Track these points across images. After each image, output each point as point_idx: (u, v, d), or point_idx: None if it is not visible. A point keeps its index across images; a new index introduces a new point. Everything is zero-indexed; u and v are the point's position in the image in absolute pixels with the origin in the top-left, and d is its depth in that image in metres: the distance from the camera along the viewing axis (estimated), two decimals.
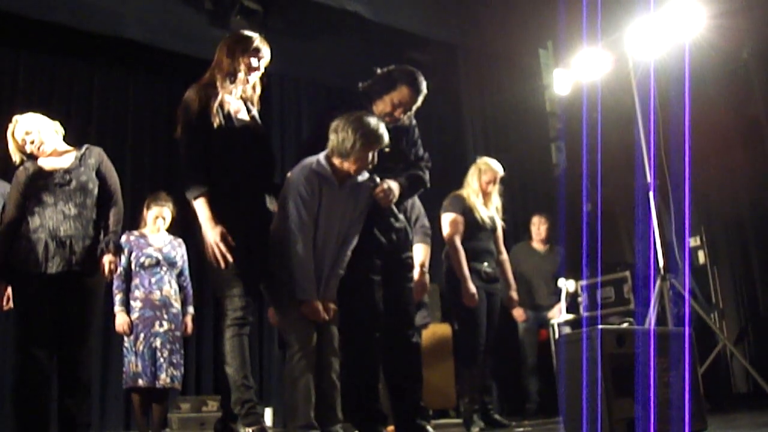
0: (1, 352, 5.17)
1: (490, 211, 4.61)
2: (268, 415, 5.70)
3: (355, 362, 3.19)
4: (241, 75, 3.11)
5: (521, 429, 4.44)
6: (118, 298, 4.36)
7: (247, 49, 3.11)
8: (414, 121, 3.50)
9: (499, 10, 6.92)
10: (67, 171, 3.35)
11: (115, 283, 4.32)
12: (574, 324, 5.32)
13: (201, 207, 2.94)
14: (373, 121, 3.04)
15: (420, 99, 3.33)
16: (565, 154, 6.98)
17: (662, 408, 2.69)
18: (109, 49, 6.05)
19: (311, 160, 3.09)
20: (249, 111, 3.22)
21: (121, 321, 4.33)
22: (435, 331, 5.51)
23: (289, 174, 3.15)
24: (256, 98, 3.26)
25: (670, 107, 4.81)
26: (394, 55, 4.66)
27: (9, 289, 3.44)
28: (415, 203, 4.18)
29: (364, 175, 3.15)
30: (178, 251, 4.58)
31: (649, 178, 4.52)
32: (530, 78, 7.37)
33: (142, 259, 4.41)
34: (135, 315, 4.35)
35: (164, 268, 4.46)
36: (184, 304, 4.55)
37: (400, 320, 3.29)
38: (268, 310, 3.73)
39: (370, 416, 3.18)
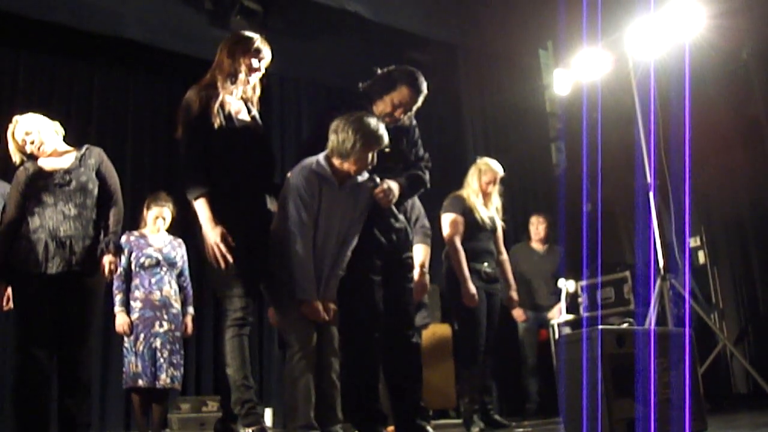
0: (1, 352, 5.17)
1: (490, 211, 4.61)
2: (268, 415, 5.70)
3: (355, 362, 3.19)
4: (241, 76, 3.11)
5: (521, 429, 4.44)
6: (118, 298, 4.36)
7: (248, 49, 3.11)
8: (414, 122, 3.49)
9: (499, 10, 6.93)
10: (67, 171, 3.35)
11: (115, 283, 4.32)
12: (574, 324, 5.32)
13: (201, 207, 2.94)
14: (373, 121, 3.04)
15: (420, 99, 3.33)
16: (565, 155, 6.99)
17: (662, 408, 2.69)
18: (109, 49, 6.05)
19: (311, 160, 3.09)
20: (249, 111, 3.22)
21: (121, 321, 4.33)
22: (435, 331, 5.52)
23: (289, 174, 3.15)
24: (256, 99, 3.26)
25: (670, 107, 4.82)
26: (394, 55, 4.66)
27: (9, 290, 3.44)
28: (415, 203, 4.18)
29: (364, 176, 3.15)
30: (178, 251, 4.58)
31: (649, 179, 4.52)
32: (530, 78, 7.38)
33: (142, 260, 4.41)
34: (135, 315, 4.35)
35: (164, 269, 4.46)
36: (184, 304, 4.55)
37: (400, 320, 3.29)
38: (268, 310, 3.73)
39: (370, 416, 3.17)
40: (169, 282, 4.46)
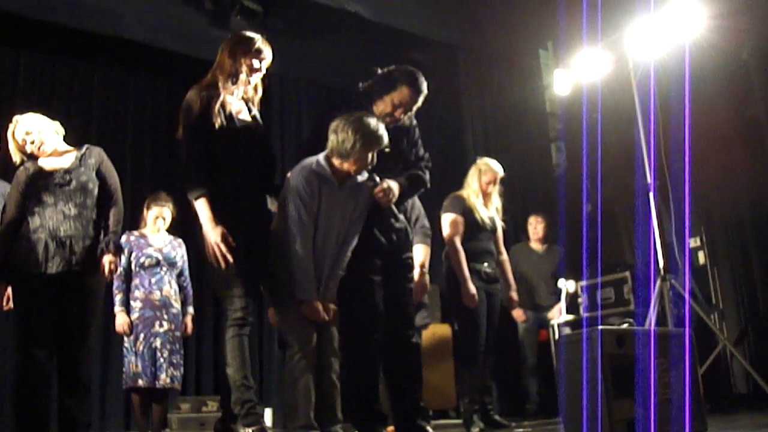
0: (1, 352, 5.17)
1: (490, 211, 4.60)
2: (267, 415, 5.70)
3: (355, 362, 3.19)
4: (242, 76, 3.11)
5: (521, 429, 4.44)
6: (118, 298, 4.36)
7: (249, 50, 3.11)
8: (414, 122, 3.49)
9: (500, 11, 6.92)
10: (67, 171, 3.35)
11: (115, 283, 4.32)
12: (574, 325, 5.32)
13: (202, 207, 2.94)
14: (372, 121, 3.04)
15: (420, 99, 3.33)
16: (565, 155, 6.99)
17: (662, 408, 2.69)
18: (109, 49, 6.05)
19: (311, 160, 3.09)
20: (250, 111, 3.22)
21: (121, 321, 4.33)
22: (435, 331, 5.51)
23: (288, 174, 3.15)
24: (257, 99, 3.26)
25: (670, 108, 4.81)
26: (394, 56, 4.65)
27: (9, 289, 3.44)
28: (415, 203, 4.18)
29: (364, 175, 3.15)
30: (178, 251, 4.58)
31: (649, 179, 4.52)
32: (530, 78, 7.38)
33: (142, 260, 4.41)
34: (135, 315, 4.35)
35: (164, 269, 4.46)
36: (184, 304, 4.55)
37: (400, 321, 3.29)
38: (268, 311, 3.73)
39: (370, 416, 3.17)
40: (169, 282, 4.46)
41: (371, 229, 3.23)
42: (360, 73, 3.50)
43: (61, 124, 3.55)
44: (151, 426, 4.44)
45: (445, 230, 4.46)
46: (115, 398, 5.54)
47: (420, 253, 4.14)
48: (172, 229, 4.63)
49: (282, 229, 3.03)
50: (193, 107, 3.01)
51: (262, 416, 3.11)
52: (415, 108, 3.37)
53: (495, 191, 4.65)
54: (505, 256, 4.77)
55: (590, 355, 2.67)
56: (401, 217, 3.41)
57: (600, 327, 2.73)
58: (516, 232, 6.16)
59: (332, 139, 3.03)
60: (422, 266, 4.16)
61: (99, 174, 3.42)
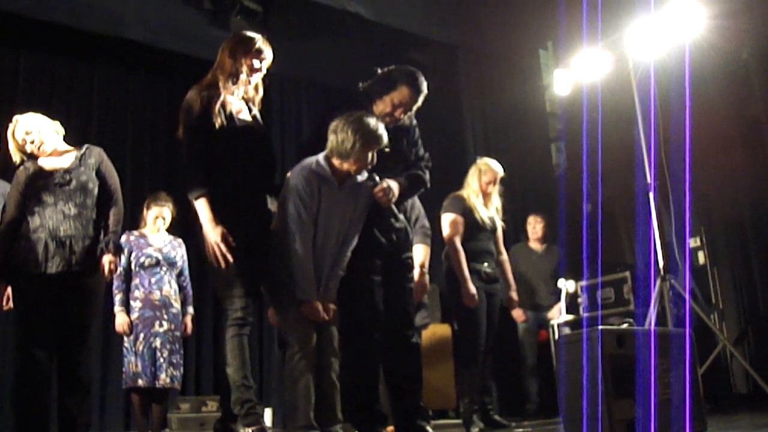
0: (1, 352, 5.17)
1: (490, 211, 4.60)
2: (267, 415, 5.71)
3: (355, 362, 3.19)
4: (243, 76, 3.11)
5: (521, 430, 4.44)
6: (118, 298, 4.36)
7: (249, 50, 3.11)
8: (414, 121, 3.49)
9: (500, 11, 6.92)
10: (67, 171, 3.35)
11: (115, 283, 4.32)
12: (574, 325, 5.32)
13: (202, 207, 2.94)
14: (372, 121, 3.04)
15: (420, 99, 3.33)
16: (565, 155, 6.99)
17: (662, 409, 2.69)
18: (109, 49, 6.05)
19: (311, 160, 3.09)
20: (251, 111, 3.22)
21: (121, 321, 4.33)
22: (435, 331, 5.51)
23: (288, 174, 3.15)
24: (258, 99, 3.26)
25: (670, 108, 4.82)
26: (394, 56, 4.65)
27: (9, 289, 3.44)
28: (415, 203, 4.18)
29: (364, 175, 3.15)
30: (178, 251, 4.58)
31: (650, 179, 4.52)
32: (530, 78, 7.38)
33: (142, 259, 4.41)
34: (135, 315, 4.35)
35: (164, 268, 4.46)
36: (183, 304, 4.55)
37: (399, 321, 3.29)
38: (268, 310, 3.73)
39: (370, 416, 3.17)
40: (169, 282, 4.46)
41: (371, 229, 3.23)
42: (360, 73, 3.50)
43: (61, 124, 3.55)
44: (151, 426, 4.44)
45: (445, 230, 4.46)
46: (115, 398, 5.55)
47: (420, 253, 4.14)
48: (172, 229, 4.63)
49: (282, 229, 3.03)
50: (193, 107, 3.01)
51: (262, 416, 3.11)
52: (415, 108, 3.37)
53: (495, 191, 4.64)
54: (505, 256, 4.76)
55: (590, 355, 2.67)
56: (401, 217, 3.41)
57: (600, 327, 2.73)
58: (516, 232, 6.16)
59: (332, 139, 3.03)
60: (422, 266, 4.16)
61: (99, 174, 3.42)
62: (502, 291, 4.66)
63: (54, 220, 3.26)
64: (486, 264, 4.50)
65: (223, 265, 2.90)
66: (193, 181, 2.96)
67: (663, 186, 4.75)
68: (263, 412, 5.23)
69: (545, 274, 5.70)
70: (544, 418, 5.31)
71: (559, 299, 5.43)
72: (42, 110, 3.53)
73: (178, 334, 4.43)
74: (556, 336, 5.34)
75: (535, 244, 5.87)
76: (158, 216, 4.52)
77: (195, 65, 3.71)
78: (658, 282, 4.32)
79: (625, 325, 3.03)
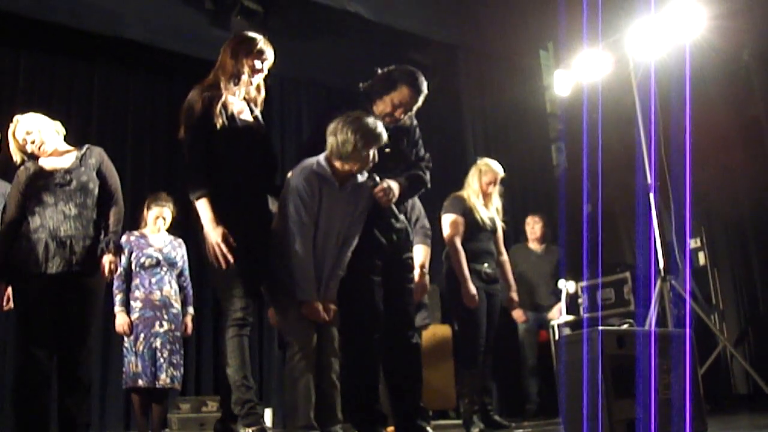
0: (1, 352, 5.17)
1: (491, 212, 4.60)
2: (267, 415, 5.70)
3: (355, 363, 3.19)
4: (244, 77, 3.11)
5: (521, 430, 4.44)
6: (118, 298, 4.36)
7: (251, 50, 3.11)
8: (415, 122, 3.49)
9: (500, 11, 6.93)
10: (67, 171, 3.35)
11: (116, 283, 4.32)
12: (574, 325, 5.31)
13: (203, 207, 2.94)
14: (370, 120, 3.04)
15: (420, 99, 3.33)
16: (566, 155, 6.98)
17: (662, 409, 2.69)
18: (109, 49, 6.05)
19: (311, 161, 3.09)
20: (252, 112, 3.22)
21: (121, 321, 4.33)
22: (435, 332, 5.51)
23: (289, 175, 3.15)
24: (260, 100, 3.25)
25: (670, 108, 4.81)
26: (394, 56, 4.65)
27: (9, 289, 3.44)
28: (416, 204, 4.18)
29: (364, 175, 3.15)
30: (179, 251, 4.58)
31: (650, 179, 4.52)
32: (531, 79, 7.37)
33: (142, 260, 4.41)
34: (135, 315, 4.35)
35: (164, 269, 4.46)
36: (184, 304, 4.55)
37: (400, 321, 3.29)
38: (268, 311, 3.73)
39: (370, 417, 3.17)
40: (169, 282, 4.46)
41: (371, 229, 3.23)
42: (360, 73, 3.50)
43: (62, 124, 3.55)
44: (151, 426, 4.44)
45: (446, 231, 4.46)
46: (115, 398, 5.54)
47: (420, 254, 4.14)
48: (172, 229, 4.63)
49: (282, 229, 3.03)
50: (194, 108, 3.01)
51: (262, 416, 3.11)
52: (415, 108, 3.37)
53: (495, 192, 4.64)
54: (505, 257, 4.76)
55: (590, 356, 2.66)
56: (401, 217, 3.41)
57: (600, 327, 2.73)
58: (516, 233, 6.16)
59: (331, 141, 3.03)
60: (422, 266, 4.16)
61: (99, 174, 3.42)
62: (502, 291, 4.66)
63: (54, 220, 3.26)
64: (486, 264, 4.49)
65: (223, 265, 2.90)
66: (194, 182, 2.96)
67: (663, 186, 4.75)
68: (263, 412, 5.22)
69: (545, 274, 5.70)
70: (544, 418, 5.31)
71: (559, 299, 5.43)
72: (42, 110, 3.53)
73: (178, 334, 4.43)
74: (557, 336, 5.34)
75: (534, 245, 5.88)
76: (158, 216, 4.53)
77: (195, 65, 3.71)
78: (658, 282, 4.32)
79: (625, 326, 3.03)
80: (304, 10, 6.30)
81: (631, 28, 4.79)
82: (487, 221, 4.53)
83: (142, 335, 4.30)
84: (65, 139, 3.53)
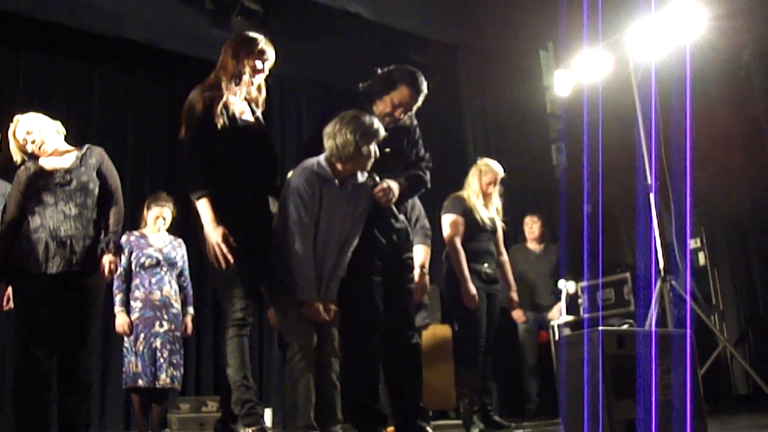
0: (1, 352, 5.17)
1: (491, 212, 4.60)
2: (267, 415, 5.70)
3: (355, 363, 3.19)
4: (245, 77, 3.11)
5: (521, 430, 4.44)
6: (118, 298, 4.36)
7: (252, 51, 3.11)
8: (415, 122, 3.49)
9: (500, 11, 6.92)
10: (67, 171, 3.35)
11: (116, 283, 4.32)
12: (575, 325, 5.31)
13: (203, 207, 2.94)
14: (366, 117, 3.04)
15: (420, 99, 3.33)
16: (566, 156, 6.98)
17: (662, 409, 2.69)
18: (109, 49, 6.05)
19: (312, 161, 3.08)
20: (253, 112, 3.21)
21: (121, 321, 4.33)
22: (435, 332, 5.51)
23: (289, 175, 3.15)
24: (261, 100, 3.25)
25: (670, 109, 4.81)
26: (394, 56, 4.65)
27: (9, 289, 3.44)
28: (416, 204, 4.18)
29: (364, 175, 3.15)
30: (179, 251, 4.58)
31: (650, 180, 4.52)
32: (531, 79, 7.38)
33: (142, 260, 4.41)
34: (135, 315, 4.35)
35: (164, 269, 4.46)
36: (184, 304, 4.55)
37: (400, 321, 3.29)
38: (269, 311, 3.73)
39: (370, 417, 3.17)
40: (170, 282, 4.46)
41: (371, 229, 3.23)
42: (360, 73, 3.50)
43: (62, 123, 3.55)
44: (151, 426, 4.44)
45: (446, 231, 4.46)
46: (115, 398, 5.54)
47: (420, 254, 4.14)
48: (173, 229, 4.63)
49: (282, 229, 3.02)
50: (196, 108, 3.01)
51: (262, 416, 3.11)
52: (415, 108, 3.37)
53: (495, 192, 4.64)
54: (505, 257, 4.76)
55: (591, 356, 2.66)
56: (401, 217, 3.41)
57: (600, 328, 2.73)
58: (516, 233, 6.16)
59: (331, 145, 3.02)
60: (422, 267, 4.16)
61: (100, 174, 3.42)
62: (502, 292, 4.66)
63: (54, 220, 3.26)
64: (486, 265, 4.49)
65: (223, 265, 2.90)
66: (195, 182, 2.97)
67: (663, 186, 4.75)
68: (263, 412, 5.22)
69: (544, 274, 5.70)
70: (544, 418, 5.31)
71: (558, 299, 5.43)
72: (42, 110, 3.53)
73: (178, 334, 4.43)
74: (557, 337, 5.34)
75: (532, 245, 5.89)
76: (159, 216, 4.53)
77: (195, 65, 3.72)
78: (658, 283, 4.32)
79: (625, 326, 3.02)
80: (304, 10, 6.29)
81: (631, 29, 4.79)
82: (487, 221, 4.53)
83: (142, 335, 4.30)
84: (65, 139, 3.53)
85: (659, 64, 4.75)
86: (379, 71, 3.37)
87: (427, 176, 3.47)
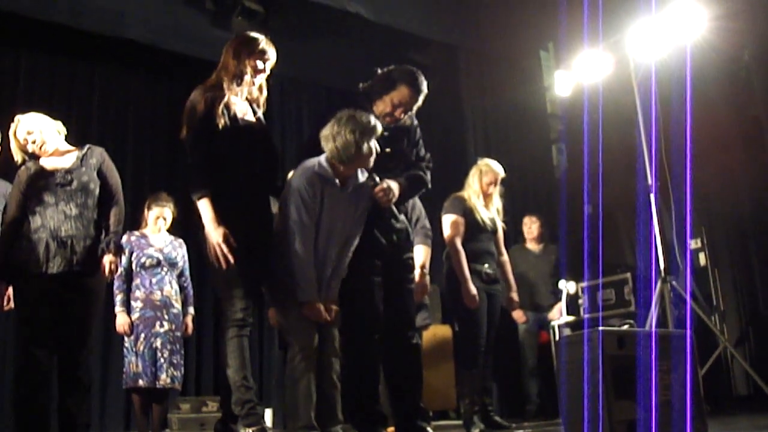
0: (1, 352, 5.17)
1: (491, 212, 4.60)
2: (268, 415, 5.70)
3: (355, 363, 3.19)
4: (247, 77, 3.11)
5: (521, 431, 4.44)
6: (118, 298, 4.36)
7: (253, 51, 3.11)
8: (415, 122, 3.49)
9: (500, 12, 6.92)
10: (68, 171, 3.35)
11: (116, 283, 4.32)
12: (575, 326, 5.31)
13: (204, 207, 2.94)
14: (363, 116, 3.04)
15: (420, 99, 3.33)
16: (566, 156, 6.99)
17: (663, 410, 2.69)
18: (110, 49, 6.04)
19: (313, 161, 3.08)
20: (255, 113, 3.21)
21: (121, 321, 4.33)
22: (435, 332, 5.51)
23: (290, 175, 3.15)
24: (262, 100, 3.26)
25: (671, 109, 4.81)
26: (394, 56, 4.65)
27: (10, 289, 3.44)
28: (416, 204, 4.18)
29: (364, 175, 3.15)
30: (179, 252, 4.58)
31: (650, 180, 4.52)
32: (531, 79, 7.37)
33: (142, 260, 4.41)
34: (135, 315, 4.35)
35: (165, 269, 4.46)
36: (184, 304, 4.55)
37: (400, 321, 3.29)
38: (269, 311, 3.73)
39: (371, 417, 3.17)
40: (170, 282, 4.46)
41: (372, 229, 3.23)
42: (360, 74, 3.50)
43: (62, 124, 3.55)
44: (151, 426, 4.44)
45: (446, 231, 4.46)
46: (115, 398, 5.54)
47: (420, 254, 4.14)
48: (173, 229, 4.63)
49: (283, 230, 3.02)
50: (197, 108, 3.01)
51: (263, 417, 3.11)
52: (415, 108, 3.37)
53: (496, 192, 4.64)
54: (505, 257, 4.76)
55: (591, 357, 2.66)
56: (402, 217, 3.41)
57: (601, 328, 2.72)
58: (516, 233, 6.16)
59: (331, 147, 3.02)
60: (423, 267, 4.16)
61: (100, 174, 3.42)
62: (502, 292, 4.66)
63: (55, 220, 3.26)
64: (487, 265, 4.49)
65: (224, 265, 2.90)
66: (196, 182, 2.97)
67: (664, 187, 4.75)
68: (263, 412, 5.21)
69: (544, 274, 5.70)
70: (544, 419, 5.31)
71: (559, 299, 5.43)
72: (42, 110, 3.53)
73: (178, 334, 4.43)
74: (557, 337, 5.34)
75: (531, 245, 5.89)
76: (159, 216, 4.53)
77: (196, 65, 3.71)
78: (658, 283, 4.32)
79: (625, 327, 3.02)
80: (304, 11, 6.29)
81: (631, 29, 4.79)
82: (488, 222, 4.53)
83: (142, 335, 4.30)
84: (66, 139, 3.53)
85: (659, 65, 4.75)
86: (379, 71, 3.37)
87: (428, 176, 3.47)
